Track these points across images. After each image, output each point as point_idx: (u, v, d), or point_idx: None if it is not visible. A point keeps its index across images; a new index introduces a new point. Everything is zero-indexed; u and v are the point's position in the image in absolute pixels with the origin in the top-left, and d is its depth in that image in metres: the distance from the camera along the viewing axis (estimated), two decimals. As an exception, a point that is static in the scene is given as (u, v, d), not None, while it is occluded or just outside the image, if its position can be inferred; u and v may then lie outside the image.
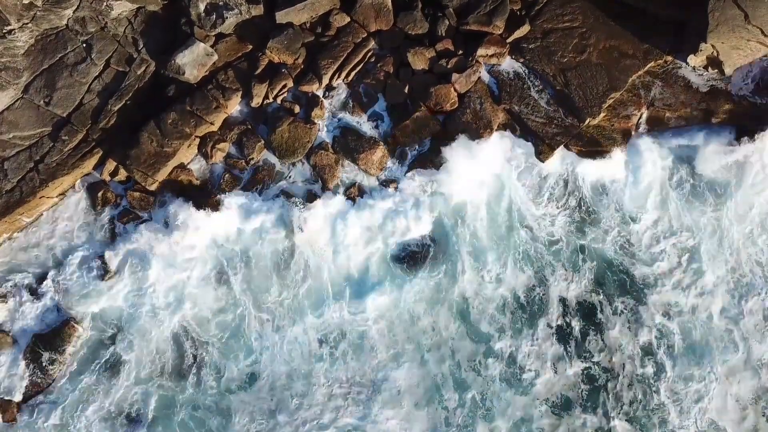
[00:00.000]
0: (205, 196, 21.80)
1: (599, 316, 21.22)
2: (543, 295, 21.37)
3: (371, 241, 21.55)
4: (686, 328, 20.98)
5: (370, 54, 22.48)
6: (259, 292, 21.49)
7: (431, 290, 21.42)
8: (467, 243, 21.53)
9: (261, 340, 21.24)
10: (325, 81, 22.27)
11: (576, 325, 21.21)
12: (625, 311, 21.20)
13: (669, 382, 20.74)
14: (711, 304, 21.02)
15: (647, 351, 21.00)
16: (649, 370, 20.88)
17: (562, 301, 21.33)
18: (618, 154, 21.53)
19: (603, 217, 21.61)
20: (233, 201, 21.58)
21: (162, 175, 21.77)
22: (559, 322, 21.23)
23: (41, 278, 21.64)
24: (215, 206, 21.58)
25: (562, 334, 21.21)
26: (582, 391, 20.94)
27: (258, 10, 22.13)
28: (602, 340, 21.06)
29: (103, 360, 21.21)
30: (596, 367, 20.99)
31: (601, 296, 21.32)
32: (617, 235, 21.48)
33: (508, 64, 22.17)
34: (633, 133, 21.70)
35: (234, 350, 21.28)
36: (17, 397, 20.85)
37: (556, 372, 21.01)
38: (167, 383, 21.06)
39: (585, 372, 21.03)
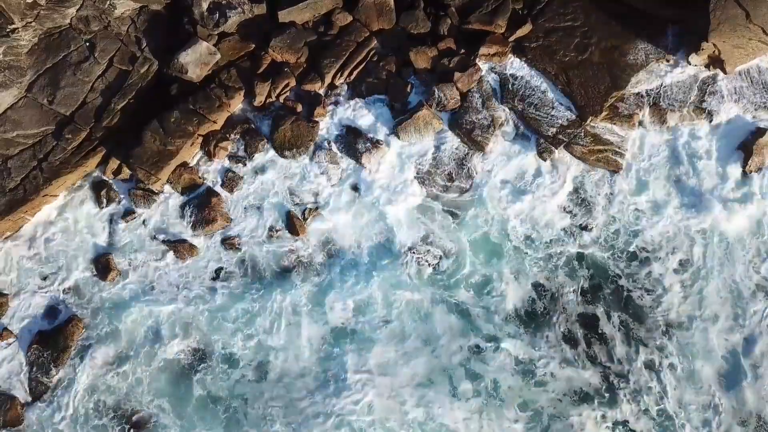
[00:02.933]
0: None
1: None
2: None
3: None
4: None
5: (372, 53, 22.55)
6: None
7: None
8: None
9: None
10: (328, 80, 22.34)
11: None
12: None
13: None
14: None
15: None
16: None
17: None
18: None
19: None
20: None
21: (165, 173, 21.84)
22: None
23: (45, 276, 21.76)
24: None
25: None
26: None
27: (260, 9, 22.21)
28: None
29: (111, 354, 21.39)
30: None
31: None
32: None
33: (510, 63, 22.24)
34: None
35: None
36: (21, 396, 20.91)
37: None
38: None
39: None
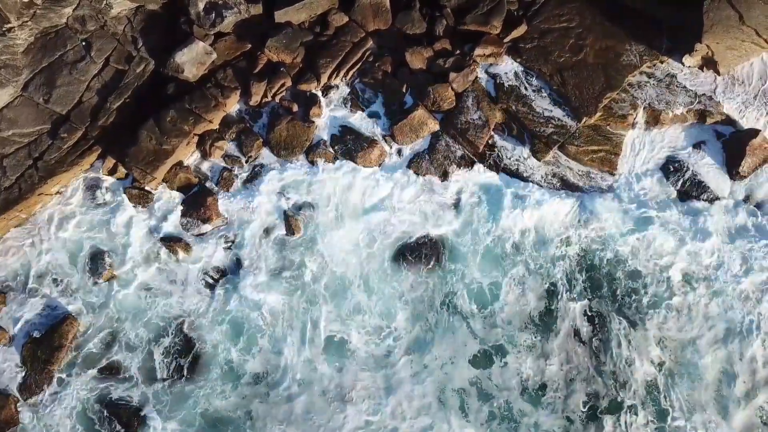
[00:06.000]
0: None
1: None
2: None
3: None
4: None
5: (368, 53, 22.63)
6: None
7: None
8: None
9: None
10: (324, 80, 22.40)
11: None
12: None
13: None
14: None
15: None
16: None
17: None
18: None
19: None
20: None
21: (161, 173, 21.84)
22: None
23: (41, 275, 21.70)
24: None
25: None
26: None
27: (257, 9, 22.27)
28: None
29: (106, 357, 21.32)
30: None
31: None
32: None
33: (506, 64, 22.36)
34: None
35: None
36: (16, 396, 20.84)
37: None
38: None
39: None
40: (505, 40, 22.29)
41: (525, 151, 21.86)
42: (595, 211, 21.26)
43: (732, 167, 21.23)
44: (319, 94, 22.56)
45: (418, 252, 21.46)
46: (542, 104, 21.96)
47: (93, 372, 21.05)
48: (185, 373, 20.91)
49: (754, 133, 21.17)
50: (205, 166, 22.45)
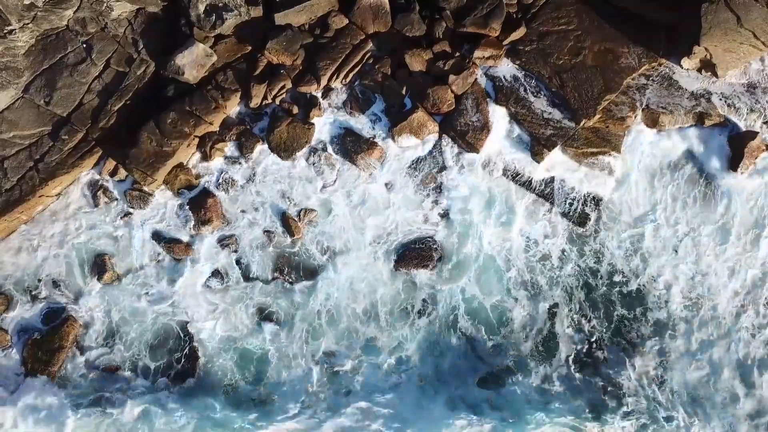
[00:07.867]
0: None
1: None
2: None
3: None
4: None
5: (368, 55, 22.69)
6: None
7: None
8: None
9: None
10: (324, 82, 22.47)
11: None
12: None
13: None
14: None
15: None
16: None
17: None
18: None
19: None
20: None
21: (161, 174, 21.91)
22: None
23: (42, 277, 21.77)
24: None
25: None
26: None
27: (257, 12, 22.34)
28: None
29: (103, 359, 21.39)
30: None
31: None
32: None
33: (505, 66, 22.44)
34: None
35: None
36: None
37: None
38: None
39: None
40: (505, 43, 22.38)
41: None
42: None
43: (730, 169, 21.31)
44: (319, 95, 22.63)
45: (420, 255, 21.59)
46: (541, 106, 22.05)
47: (92, 374, 21.12)
48: (183, 381, 21.09)
49: (752, 134, 21.26)
50: (205, 168, 22.50)
